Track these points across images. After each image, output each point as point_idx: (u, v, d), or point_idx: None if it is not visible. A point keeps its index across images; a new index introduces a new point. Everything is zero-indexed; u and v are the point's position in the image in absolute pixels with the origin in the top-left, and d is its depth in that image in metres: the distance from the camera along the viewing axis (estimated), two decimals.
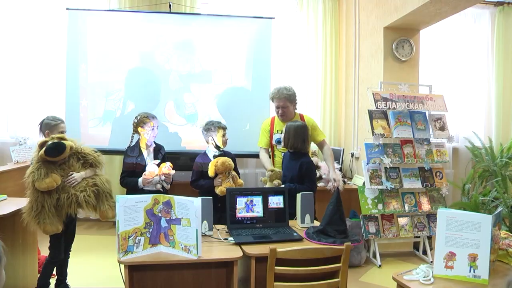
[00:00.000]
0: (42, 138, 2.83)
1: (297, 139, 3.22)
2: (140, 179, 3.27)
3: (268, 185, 3.29)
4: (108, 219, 2.90)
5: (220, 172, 3.20)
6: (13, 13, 4.93)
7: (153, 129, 3.41)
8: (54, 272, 3.09)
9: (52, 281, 3.09)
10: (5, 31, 4.94)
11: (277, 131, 3.67)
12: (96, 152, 2.94)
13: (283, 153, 3.52)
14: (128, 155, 3.41)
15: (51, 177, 2.61)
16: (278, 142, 3.63)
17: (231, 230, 2.57)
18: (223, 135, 3.45)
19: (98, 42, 4.61)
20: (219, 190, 3.18)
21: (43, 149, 2.65)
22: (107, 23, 4.63)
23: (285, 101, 3.57)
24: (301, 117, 3.70)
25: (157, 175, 3.26)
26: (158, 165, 3.31)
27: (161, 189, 3.32)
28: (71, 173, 2.74)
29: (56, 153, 2.66)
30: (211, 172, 3.19)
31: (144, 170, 3.29)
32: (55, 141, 2.70)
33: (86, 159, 2.86)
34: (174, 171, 3.33)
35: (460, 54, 5.61)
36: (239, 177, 3.36)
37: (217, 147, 3.41)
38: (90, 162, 2.87)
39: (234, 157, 3.48)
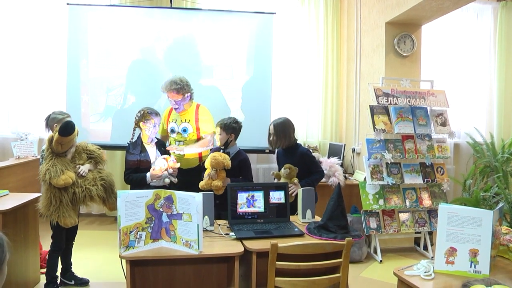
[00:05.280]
0: (50, 134, 2.98)
1: (290, 132, 3.33)
2: (148, 174, 3.20)
3: (282, 180, 3.23)
4: (115, 210, 2.93)
5: (212, 167, 3.14)
6: (14, 9, 4.93)
7: (154, 126, 3.36)
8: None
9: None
10: (6, 27, 4.94)
11: (173, 119, 3.71)
12: (100, 149, 3.15)
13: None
14: (130, 153, 3.32)
15: (66, 174, 2.79)
16: (172, 131, 3.69)
17: (232, 225, 2.58)
18: (220, 133, 3.35)
19: (98, 38, 4.59)
20: (200, 184, 3.13)
21: (57, 133, 2.78)
22: (108, 18, 4.62)
23: (172, 93, 3.57)
24: (197, 107, 3.70)
25: (166, 169, 3.22)
26: None
27: (167, 184, 3.28)
28: (77, 166, 2.95)
29: (69, 130, 2.79)
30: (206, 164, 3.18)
31: (150, 166, 3.25)
32: (63, 121, 2.90)
33: (91, 156, 3.07)
34: (179, 164, 3.30)
35: (462, 50, 5.58)
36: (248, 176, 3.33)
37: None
38: (95, 159, 3.08)
39: (245, 158, 3.36)
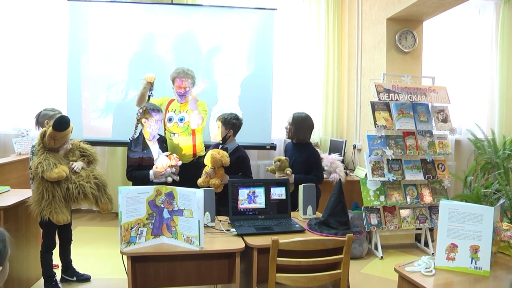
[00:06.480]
0: (42, 129, 2.87)
1: (307, 130, 3.41)
2: (151, 172, 3.17)
3: (277, 174, 3.33)
4: (108, 211, 2.94)
5: (212, 165, 3.14)
6: (15, 5, 4.91)
7: (156, 122, 3.32)
8: (58, 263, 3.14)
9: (57, 271, 3.15)
10: (6, 23, 4.93)
11: (172, 109, 3.71)
12: (92, 149, 3.06)
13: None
14: (132, 150, 3.28)
15: (59, 168, 2.67)
16: (169, 119, 3.69)
17: (233, 222, 2.58)
18: (219, 127, 3.37)
19: (99, 34, 4.58)
20: (198, 181, 3.15)
21: (51, 127, 2.69)
22: (109, 14, 4.60)
23: (187, 78, 3.63)
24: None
25: (168, 166, 3.20)
26: None
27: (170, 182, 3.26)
28: (71, 162, 2.86)
29: (63, 125, 2.71)
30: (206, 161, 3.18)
31: (152, 163, 3.22)
32: (54, 117, 2.79)
33: (84, 154, 2.98)
34: (180, 162, 3.29)
35: (464, 46, 5.56)
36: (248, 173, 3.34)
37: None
38: (87, 157, 3.00)
39: (244, 155, 3.35)
